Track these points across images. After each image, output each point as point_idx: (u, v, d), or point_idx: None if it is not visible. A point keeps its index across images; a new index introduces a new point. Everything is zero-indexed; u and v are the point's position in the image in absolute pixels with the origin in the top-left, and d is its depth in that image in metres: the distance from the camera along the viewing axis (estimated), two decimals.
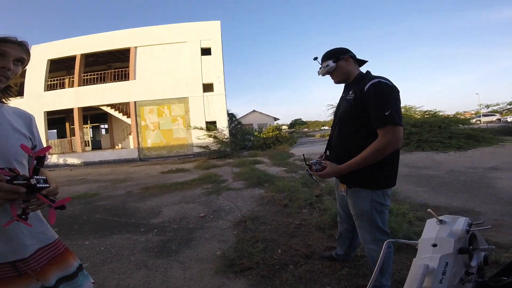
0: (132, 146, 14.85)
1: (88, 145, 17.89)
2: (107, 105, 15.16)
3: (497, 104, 12.69)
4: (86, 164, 14.12)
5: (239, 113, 24.12)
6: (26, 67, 0.94)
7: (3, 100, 0.93)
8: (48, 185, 0.79)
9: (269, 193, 4.27)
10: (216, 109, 14.19)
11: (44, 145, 0.93)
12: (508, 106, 12.37)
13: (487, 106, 13.26)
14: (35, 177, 0.75)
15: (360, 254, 2.04)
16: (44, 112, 14.52)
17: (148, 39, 14.81)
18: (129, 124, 14.99)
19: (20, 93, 14.71)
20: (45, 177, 0.81)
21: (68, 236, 3.07)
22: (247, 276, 1.96)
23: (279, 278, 1.87)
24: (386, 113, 1.28)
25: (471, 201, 3.37)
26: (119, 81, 14.93)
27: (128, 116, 14.86)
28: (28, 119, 0.99)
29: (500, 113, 19.33)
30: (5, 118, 0.89)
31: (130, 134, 15.18)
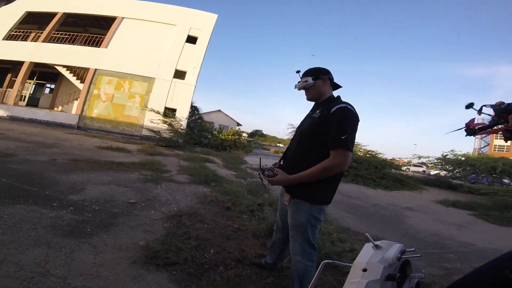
0: (73, 112, 13.37)
1: (24, 100, 15.61)
2: (64, 66, 13.78)
3: (428, 157, 14.63)
4: (13, 119, 12.17)
5: (204, 108, 23.44)
6: None
7: None
8: None
9: (213, 193, 4.09)
10: (181, 97, 13.53)
11: None
12: (435, 161, 14.27)
13: (419, 157, 15.24)
14: None
15: (286, 265, 2.05)
16: None
17: (138, 13, 14.12)
18: (80, 90, 13.61)
19: None
20: None
21: None
22: (171, 271, 1.80)
23: (207, 278, 1.78)
24: (343, 137, 1.37)
25: (385, 232, 3.82)
26: (89, 46, 13.86)
27: (82, 82, 13.56)
28: None
29: (427, 165, 22.76)
30: None
31: (76, 100, 13.80)
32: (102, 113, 13.16)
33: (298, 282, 1.53)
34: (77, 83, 13.82)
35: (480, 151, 39.07)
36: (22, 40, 14.01)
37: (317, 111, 1.54)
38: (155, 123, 12.46)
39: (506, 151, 40.60)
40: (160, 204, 3.25)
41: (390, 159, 14.33)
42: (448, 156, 13.95)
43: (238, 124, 37.75)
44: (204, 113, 20.92)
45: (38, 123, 12.08)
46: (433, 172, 21.53)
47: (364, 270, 0.65)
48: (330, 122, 1.42)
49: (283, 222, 1.74)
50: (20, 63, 13.56)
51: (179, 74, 13.77)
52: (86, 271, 1.67)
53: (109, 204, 2.98)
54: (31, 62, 13.43)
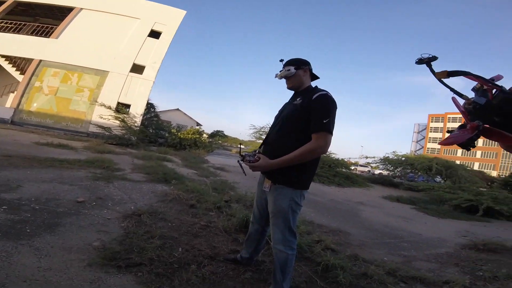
0: (8, 105, 11.92)
1: None
2: (3, 56, 12.34)
3: (374, 157, 16.51)
4: None
5: (161, 107, 22.06)
6: None
7: None
8: None
9: (174, 191, 3.80)
10: (137, 93, 12.74)
11: None
12: (379, 161, 16.01)
13: (366, 157, 16.99)
14: None
15: (261, 259, 2.02)
16: None
17: (99, 4, 13.24)
18: (18, 82, 12.14)
19: None
20: None
21: None
22: (136, 273, 1.61)
23: (179, 278, 1.63)
24: (325, 121, 1.43)
25: (345, 224, 4.07)
26: (36, 36, 12.75)
27: (22, 73, 12.17)
28: None
29: (371, 166, 25.39)
30: None
31: (13, 92, 12.51)
32: (43, 107, 11.80)
33: (280, 273, 1.50)
34: (16, 74, 12.33)
35: (415, 153, 45.25)
36: None
37: (298, 99, 1.59)
38: (105, 118, 11.28)
39: (437, 153, 49.75)
40: (113, 203, 2.92)
41: (341, 159, 15.48)
42: (390, 157, 15.68)
43: (198, 124, 36.43)
44: (161, 111, 19.75)
45: None
46: (377, 171, 23.80)
47: None
48: (312, 108, 1.48)
49: (260, 211, 1.74)
50: None
51: (137, 69, 13.08)
52: (31, 276, 1.40)
53: (52, 203, 2.58)
54: None
